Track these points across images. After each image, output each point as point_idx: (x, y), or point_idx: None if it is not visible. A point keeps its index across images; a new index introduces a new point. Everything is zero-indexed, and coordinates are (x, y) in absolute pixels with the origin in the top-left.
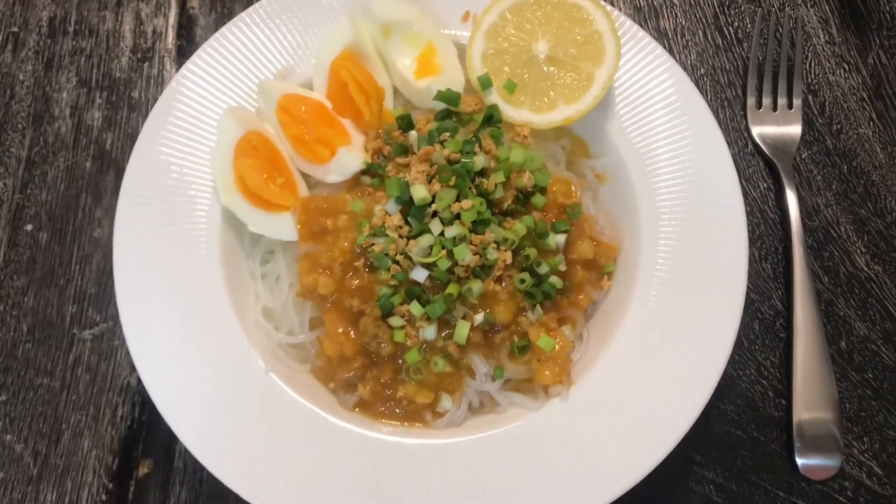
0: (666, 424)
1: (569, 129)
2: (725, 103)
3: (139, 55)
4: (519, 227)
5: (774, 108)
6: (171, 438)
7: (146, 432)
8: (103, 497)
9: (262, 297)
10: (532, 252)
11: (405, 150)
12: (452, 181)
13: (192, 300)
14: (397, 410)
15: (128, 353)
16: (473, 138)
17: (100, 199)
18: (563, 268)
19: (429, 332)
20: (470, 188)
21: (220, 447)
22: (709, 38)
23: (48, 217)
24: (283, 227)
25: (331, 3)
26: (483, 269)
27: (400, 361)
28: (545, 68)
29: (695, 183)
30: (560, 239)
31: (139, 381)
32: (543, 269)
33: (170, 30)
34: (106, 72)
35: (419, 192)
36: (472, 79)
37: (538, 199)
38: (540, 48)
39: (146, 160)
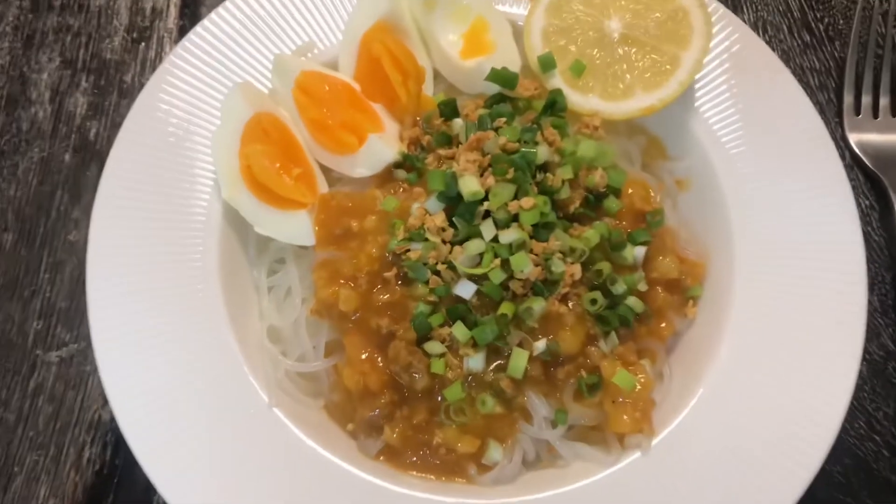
0: (767, 490)
1: (642, 125)
2: (816, 108)
3: (135, 35)
4: (591, 234)
5: (875, 115)
6: (150, 488)
7: (119, 479)
8: None
9: (267, 315)
10: (605, 266)
11: (449, 141)
12: (510, 174)
13: (182, 318)
14: (433, 461)
15: (100, 382)
16: (534, 126)
17: (78, 198)
18: (643, 287)
19: (475, 362)
20: (531, 184)
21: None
22: (795, 34)
23: (15, 216)
24: (296, 228)
25: None
26: (545, 285)
27: (438, 399)
28: (619, 49)
29: (801, 198)
30: (639, 252)
31: (112, 416)
32: (620, 289)
33: (172, 8)
34: (95, 52)
35: (470, 186)
36: (530, 59)
37: (612, 203)
38: (612, 26)
39: (132, 147)
